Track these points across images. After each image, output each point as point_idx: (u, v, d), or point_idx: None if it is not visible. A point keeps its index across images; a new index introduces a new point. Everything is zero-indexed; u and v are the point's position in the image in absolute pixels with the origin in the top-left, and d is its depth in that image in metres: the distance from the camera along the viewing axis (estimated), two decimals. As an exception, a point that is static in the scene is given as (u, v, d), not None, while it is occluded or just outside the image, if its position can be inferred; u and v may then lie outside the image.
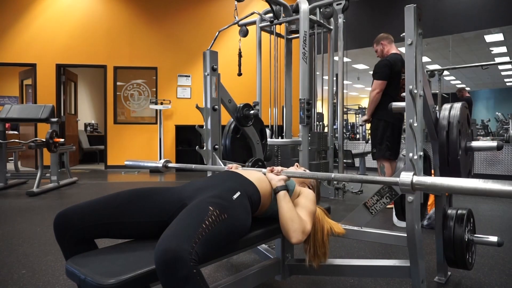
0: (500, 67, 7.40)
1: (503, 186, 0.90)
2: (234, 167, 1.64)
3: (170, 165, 1.91)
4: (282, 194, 1.37)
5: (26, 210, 3.51)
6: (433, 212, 2.64)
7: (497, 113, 7.97)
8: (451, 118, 1.63)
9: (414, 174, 1.08)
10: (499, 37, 6.32)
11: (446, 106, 1.69)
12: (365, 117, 3.74)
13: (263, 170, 1.52)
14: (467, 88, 9.74)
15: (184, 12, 7.47)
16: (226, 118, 2.41)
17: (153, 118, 7.45)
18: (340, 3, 4.07)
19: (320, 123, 4.14)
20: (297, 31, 4.01)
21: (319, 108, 4.38)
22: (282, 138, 4.32)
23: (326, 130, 4.42)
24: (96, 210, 1.16)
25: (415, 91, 1.38)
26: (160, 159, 7.05)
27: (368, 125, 3.79)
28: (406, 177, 1.09)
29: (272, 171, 1.47)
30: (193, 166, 1.87)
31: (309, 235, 1.51)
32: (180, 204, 1.24)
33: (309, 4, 3.74)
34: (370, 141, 3.69)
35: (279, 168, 1.48)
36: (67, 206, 1.17)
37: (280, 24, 4.17)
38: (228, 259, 2.10)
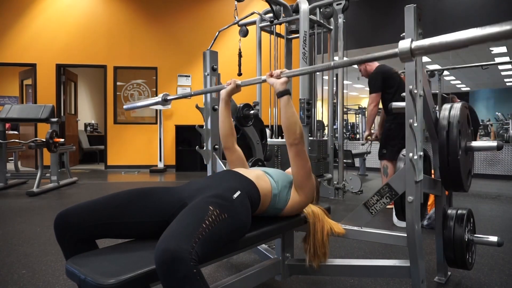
0: (500, 67, 7.40)
1: (500, 27, 0.85)
2: (233, 82, 1.61)
3: (169, 97, 1.85)
4: (286, 99, 1.38)
5: (26, 210, 3.51)
6: (433, 212, 2.65)
7: (497, 113, 7.98)
8: (451, 118, 1.63)
9: (412, 40, 1.04)
10: (499, 37, 6.32)
11: (446, 106, 1.69)
12: (366, 132, 3.74)
13: (263, 77, 1.47)
14: (467, 88, 9.75)
15: (184, 12, 7.47)
16: (226, 118, 2.40)
17: (153, 118, 7.45)
18: (340, 3, 4.07)
19: (320, 131, 4.14)
20: (297, 31, 4.01)
21: (319, 115, 4.36)
22: (282, 138, 4.32)
23: (326, 131, 4.42)
24: (96, 210, 1.16)
25: (415, 91, 1.38)
26: (160, 159, 7.06)
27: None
28: (404, 44, 1.02)
29: (271, 76, 1.42)
30: (192, 92, 1.82)
31: (309, 235, 1.52)
32: (180, 204, 1.24)
33: (309, 4, 3.74)
34: (380, 141, 3.71)
35: (278, 71, 1.42)
36: (67, 206, 1.17)
37: (280, 24, 4.16)
38: (228, 259, 2.10)
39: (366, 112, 3.76)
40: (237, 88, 1.61)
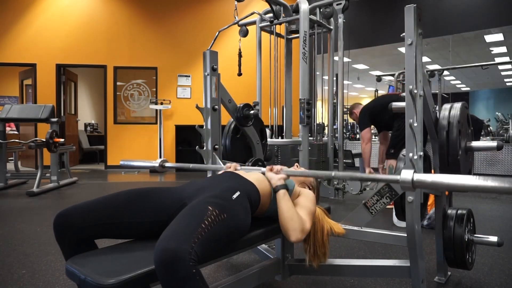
0: (500, 67, 7.40)
1: (502, 183, 0.89)
2: (233, 167, 1.64)
3: (167, 164, 1.87)
4: (282, 193, 1.37)
5: (26, 210, 3.51)
6: (433, 212, 2.64)
7: (497, 113, 7.97)
8: (451, 118, 1.63)
9: (415, 171, 1.08)
10: (499, 37, 6.32)
11: (446, 106, 1.69)
12: (368, 170, 3.71)
13: (262, 169, 1.51)
14: (467, 88, 9.75)
15: (184, 12, 7.47)
16: (226, 118, 2.41)
17: (153, 118, 7.45)
18: (340, 3, 4.07)
19: (320, 134, 4.14)
20: (297, 31, 4.01)
21: (319, 117, 4.35)
22: (282, 138, 4.32)
23: (326, 131, 4.42)
24: (96, 210, 1.16)
25: (415, 91, 1.38)
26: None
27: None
28: (407, 175, 1.08)
29: (271, 170, 1.47)
30: (190, 165, 1.85)
31: (309, 235, 1.52)
32: (180, 204, 1.24)
33: (309, 4, 3.74)
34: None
35: (279, 167, 1.47)
36: (67, 206, 1.17)
37: (280, 24, 4.16)
38: (228, 259, 2.10)
39: (362, 152, 3.80)
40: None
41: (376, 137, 8.58)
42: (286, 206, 1.33)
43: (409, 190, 1.10)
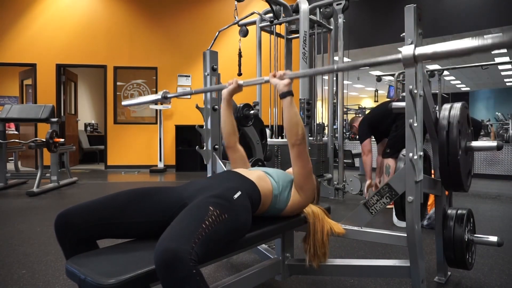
0: (500, 67, 7.40)
1: (503, 38, 0.86)
2: (234, 81, 1.60)
3: (169, 95, 1.83)
4: (289, 100, 1.39)
5: (26, 210, 3.51)
6: (433, 212, 2.64)
7: (497, 113, 7.98)
8: (451, 118, 1.62)
9: (416, 46, 1.04)
10: (499, 37, 6.32)
11: (446, 106, 1.69)
12: (368, 182, 3.64)
13: (265, 78, 1.46)
14: (467, 88, 9.74)
15: (184, 12, 7.47)
16: (226, 118, 2.40)
17: (153, 118, 7.45)
18: (340, 3, 4.07)
19: (320, 134, 4.14)
20: (297, 31, 4.01)
21: (319, 117, 4.35)
22: (282, 138, 4.32)
23: (326, 131, 4.42)
24: (96, 210, 1.16)
25: (415, 91, 1.38)
26: (160, 159, 7.06)
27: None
28: (407, 50, 1.04)
29: (275, 76, 1.42)
30: (193, 90, 1.83)
31: (309, 235, 1.52)
32: (181, 204, 1.24)
33: (309, 4, 3.74)
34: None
35: (281, 71, 1.43)
36: (68, 206, 1.17)
37: (280, 24, 4.17)
38: (228, 259, 2.10)
39: (363, 164, 3.74)
40: (239, 87, 1.61)
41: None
42: (293, 112, 1.38)
43: (411, 66, 1.06)
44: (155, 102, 1.88)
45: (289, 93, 1.39)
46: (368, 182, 3.64)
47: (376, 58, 1.14)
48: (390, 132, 3.39)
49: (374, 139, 3.71)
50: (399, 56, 1.06)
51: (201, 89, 1.83)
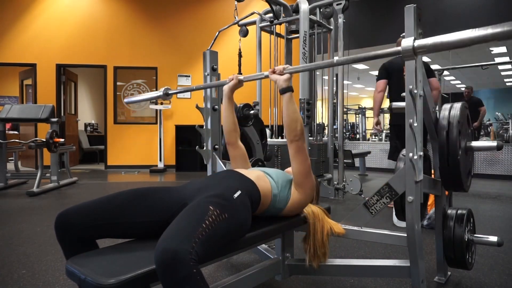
0: (500, 67, 7.40)
1: (502, 28, 0.85)
2: (235, 77, 1.61)
3: (170, 91, 1.84)
4: (288, 96, 1.39)
5: (26, 210, 3.51)
6: (433, 212, 2.64)
7: (497, 113, 7.98)
8: (451, 118, 1.62)
9: (415, 39, 1.05)
10: (499, 37, 6.32)
11: (446, 106, 1.69)
12: (375, 119, 3.75)
13: (265, 73, 1.46)
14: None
15: (184, 12, 7.48)
16: (226, 118, 2.40)
17: (153, 118, 7.45)
18: (340, 3, 4.07)
19: (320, 134, 4.14)
20: (297, 31, 4.01)
21: (319, 117, 4.35)
22: (282, 138, 4.32)
23: (326, 130, 4.42)
24: (96, 210, 1.16)
25: (415, 91, 1.38)
26: (160, 159, 7.06)
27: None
28: (407, 42, 1.04)
29: (274, 72, 1.42)
30: (194, 86, 1.82)
31: (309, 235, 1.52)
32: (181, 204, 1.24)
33: (309, 4, 3.74)
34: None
35: (281, 67, 1.42)
36: (68, 206, 1.17)
37: (280, 24, 4.16)
38: (228, 259, 2.10)
39: (373, 101, 3.85)
40: (239, 83, 1.61)
41: (376, 136, 8.57)
42: (292, 108, 1.39)
43: (411, 58, 1.06)
44: (157, 98, 1.88)
45: (289, 89, 1.39)
46: (375, 119, 3.75)
47: (376, 51, 1.15)
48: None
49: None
50: (399, 48, 1.06)
51: (203, 85, 1.83)
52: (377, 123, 3.74)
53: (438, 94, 3.56)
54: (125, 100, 2.04)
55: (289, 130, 1.39)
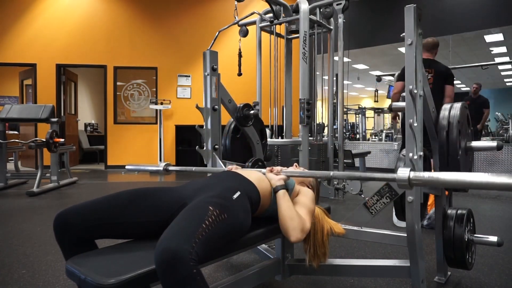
0: (500, 67, 7.40)
1: (498, 179, 0.90)
2: (234, 167, 1.64)
3: (170, 168, 1.90)
4: (282, 193, 1.38)
5: (26, 210, 3.51)
6: (433, 212, 2.64)
7: (497, 113, 7.97)
8: (451, 118, 1.62)
9: (412, 170, 1.08)
10: (499, 37, 6.32)
11: (446, 106, 1.69)
12: (392, 115, 4.18)
13: (263, 170, 1.52)
14: (467, 88, 9.73)
15: (184, 12, 7.48)
16: (226, 118, 2.41)
17: (153, 118, 7.45)
18: (340, 3, 4.07)
19: (320, 134, 4.15)
20: (297, 31, 4.01)
21: (319, 117, 4.35)
22: (282, 138, 4.32)
23: (326, 131, 4.42)
24: (96, 210, 1.16)
25: (415, 91, 1.38)
26: (160, 159, 7.06)
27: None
28: (403, 173, 1.09)
29: (271, 171, 1.48)
30: (193, 168, 1.87)
31: (309, 234, 1.51)
32: (181, 204, 1.24)
33: (309, 4, 3.74)
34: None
35: (279, 168, 1.49)
36: (67, 206, 1.17)
37: (280, 24, 4.16)
38: (228, 259, 2.10)
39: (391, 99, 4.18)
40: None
41: (376, 136, 8.57)
42: (285, 205, 1.34)
43: (407, 189, 1.11)
44: (156, 172, 1.92)
45: (282, 187, 1.40)
46: (392, 115, 4.13)
47: (372, 174, 1.24)
48: None
49: None
50: (394, 175, 1.12)
51: (202, 168, 1.89)
52: (393, 117, 4.18)
53: (450, 102, 3.69)
54: (127, 167, 2.06)
55: (288, 230, 1.30)
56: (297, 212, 1.34)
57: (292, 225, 1.30)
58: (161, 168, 1.88)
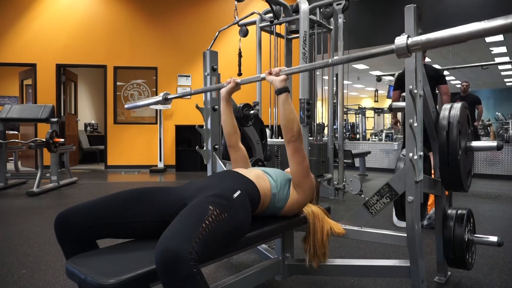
0: (500, 67, 7.41)
1: (494, 22, 0.84)
2: (232, 81, 1.61)
3: (170, 96, 1.85)
4: (284, 96, 1.39)
5: (26, 210, 3.51)
6: (433, 212, 2.65)
7: (497, 113, 7.98)
8: (451, 118, 1.62)
9: (409, 36, 1.04)
10: (499, 37, 6.33)
11: (446, 106, 1.69)
12: (393, 121, 4.32)
13: (262, 75, 1.47)
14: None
15: (184, 12, 7.48)
16: (226, 118, 2.40)
17: (153, 118, 7.45)
18: (340, 3, 4.07)
19: (320, 134, 4.14)
20: (297, 31, 4.01)
21: (319, 117, 4.35)
22: (282, 138, 4.32)
23: (326, 131, 4.42)
24: (96, 210, 1.16)
25: (415, 91, 1.38)
26: (160, 159, 7.06)
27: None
28: (400, 40, 1.03)
29: (270, 74, 1.43)
30: (192, 91, 1.84)
31: (309, 235, 1.52)
32: (181, 204, 1.24)
33: (309, 4, 3.74)
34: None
35: (277, 68, 1.43)
36: (68, 206, 1.17)
37: (280, 24, 4.16)
38: (228, 259, 2.10)
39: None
40: (236, 86, 1.62)
41: (376, 136, 8.58)
42: (289, 108, 1.39)
43: (406, 56, 1.05)
44: (156, 103, 1.89)
45: (284, 89, 1.39)
46: (393, 120, 4.33)
47: (370, 50, 1.14)
48: None
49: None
50: (392, 46, 1.05)
51: (201, 89, 1.84)
52: (395, 123, 4.26)
53: (448, 99, 3.71)
54: (126, 106, 2.06)
55: (286, 131, 1.39)
56: (297, 118, 1.41)
57: (294, 127, 1.38)
58: (161, 98, 1.84)
